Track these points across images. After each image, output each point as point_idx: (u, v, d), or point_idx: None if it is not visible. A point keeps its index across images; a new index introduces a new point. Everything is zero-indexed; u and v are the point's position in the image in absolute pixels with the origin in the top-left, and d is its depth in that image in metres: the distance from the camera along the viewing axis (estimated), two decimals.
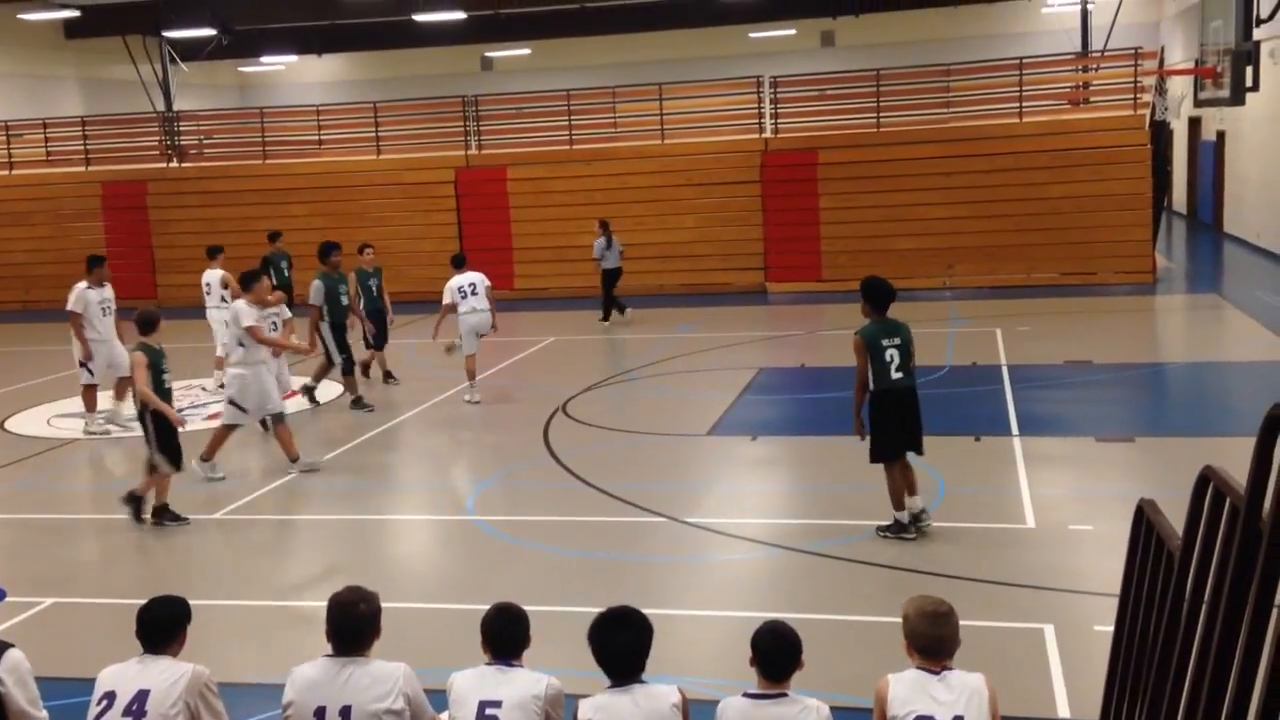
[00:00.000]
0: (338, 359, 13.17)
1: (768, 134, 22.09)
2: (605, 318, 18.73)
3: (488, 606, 4.30)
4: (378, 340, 14.20)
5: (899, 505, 8.19)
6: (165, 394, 9.25)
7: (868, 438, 8.14)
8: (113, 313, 12.74)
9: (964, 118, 21.63)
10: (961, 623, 4.08)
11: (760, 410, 12.68)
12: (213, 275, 14.92)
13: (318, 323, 13.10)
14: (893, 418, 8.04)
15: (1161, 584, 3.81)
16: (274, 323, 11.75)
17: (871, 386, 8.01)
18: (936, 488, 9.35)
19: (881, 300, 8.08)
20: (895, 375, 7.99)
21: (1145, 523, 4.16)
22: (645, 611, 4.05)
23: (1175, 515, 3.84)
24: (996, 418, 11.50)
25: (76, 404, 14.24)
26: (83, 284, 12.57)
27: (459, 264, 13.65)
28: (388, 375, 14.44)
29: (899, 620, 4.11)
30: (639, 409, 12.81)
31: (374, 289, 14.03)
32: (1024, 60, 21.66)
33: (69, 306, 12.50)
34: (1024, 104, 21.16)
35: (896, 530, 8.20)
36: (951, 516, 8.66)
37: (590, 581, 7.77)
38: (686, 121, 22.89)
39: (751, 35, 34.02)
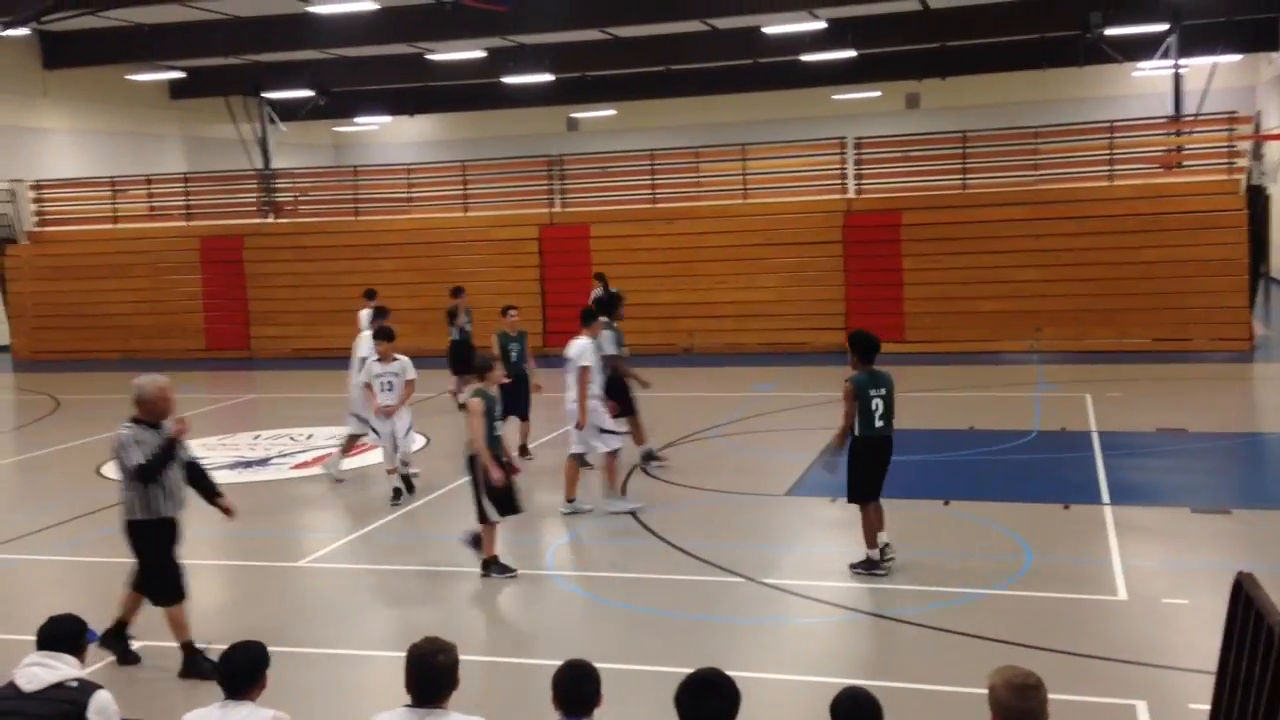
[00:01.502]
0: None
1: (851, 194, 22.07)
2: None
3: (561, 662, 4.28)
4: (514, 408, 12.65)
5: (872, 544, 8.66)
6: (495, 440, 9.02)
7: (836, 473, 8.79)
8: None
9: (1053, 180, 21.39)
10: (1050, 696, 3.95)
11: (840, 472, 12.52)
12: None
13: (626, 374, 12.06)
14: (874, 462, 8.60)
15: (1261, 661, 3.66)
16: (389, 381, 11.32)
17: (855, 432, 8.54)
18: (1023, 555, 9.12)
19: (869, 352, 8.68)
20: (878, 423, 8.54)
21: (1244, 597, 4.00)
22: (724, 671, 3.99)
23: (1275, 590, 3.69)
24: (1086, 485, 11.20)
25: None
26: (368, 333, 12.50)
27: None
28: (523, 449, 13.17)
29: (984, 691, 4.00)
30: (718, 468, 12.74)
31: (514, 354, 13.08)
32: (1115, 123, 21.40)
33: (361, 354, 12.29)
34: (1115, 167, 20.85)
35: (868, 567, 8.65)
36: (1040, 586, 8.44)
37: (666, 641, 7.70)
38: (769, 181, 22.99)
39: (835, 97, 34.19)
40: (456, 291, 17.26)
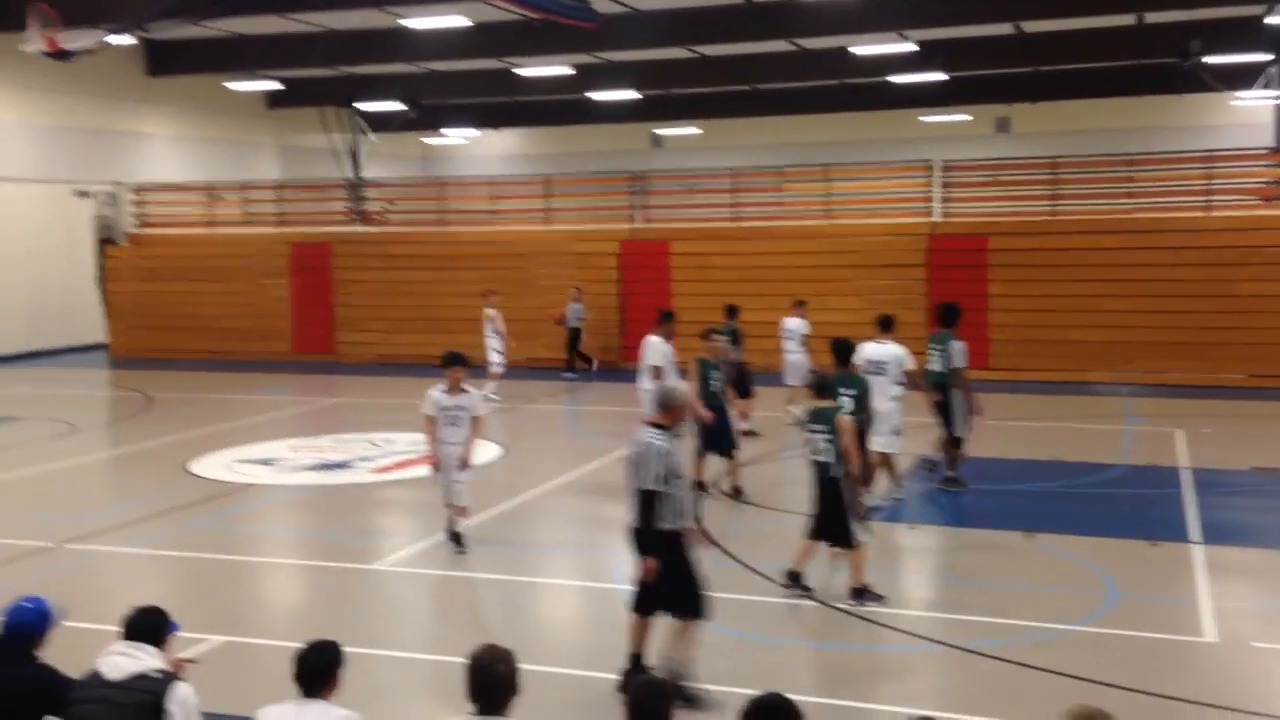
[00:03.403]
0: (962, 431, 12.00)
1: (935, 217, 21.77)
2: (571, 367, 21.13)
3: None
4: (714, 443, 11.87)
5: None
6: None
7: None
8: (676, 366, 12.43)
9: (1147, 209, 20.87)
10: None
11: (919, 498, 12.34)
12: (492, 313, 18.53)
13: (966, 387, 11.79)
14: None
15: None
16: (455, 416, 9.94)
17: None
18: (1107, 591, 8.88)
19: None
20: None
21: None
22: (789, 696, 3.94)
23: None
24: (1174, 522, 10.87)
25: (257, 450, 14.92)
26: (656, 338, 12.28)
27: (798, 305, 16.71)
28: (737, 490, 12.04)
29: None
30: (792, 488, 12.55)
31: (714, 384, 11.85)
32: (1213, 153, 20.83)
33: (652, 362, 12.25)
34: (1212, 198, 20.30)
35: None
36: (1124, 624, 8.20)
37: (734, 661, 7.62)
38: (852, 203, 22.79)
39: (922, 119, 33.80)
40: (732, 311, 15.28)
